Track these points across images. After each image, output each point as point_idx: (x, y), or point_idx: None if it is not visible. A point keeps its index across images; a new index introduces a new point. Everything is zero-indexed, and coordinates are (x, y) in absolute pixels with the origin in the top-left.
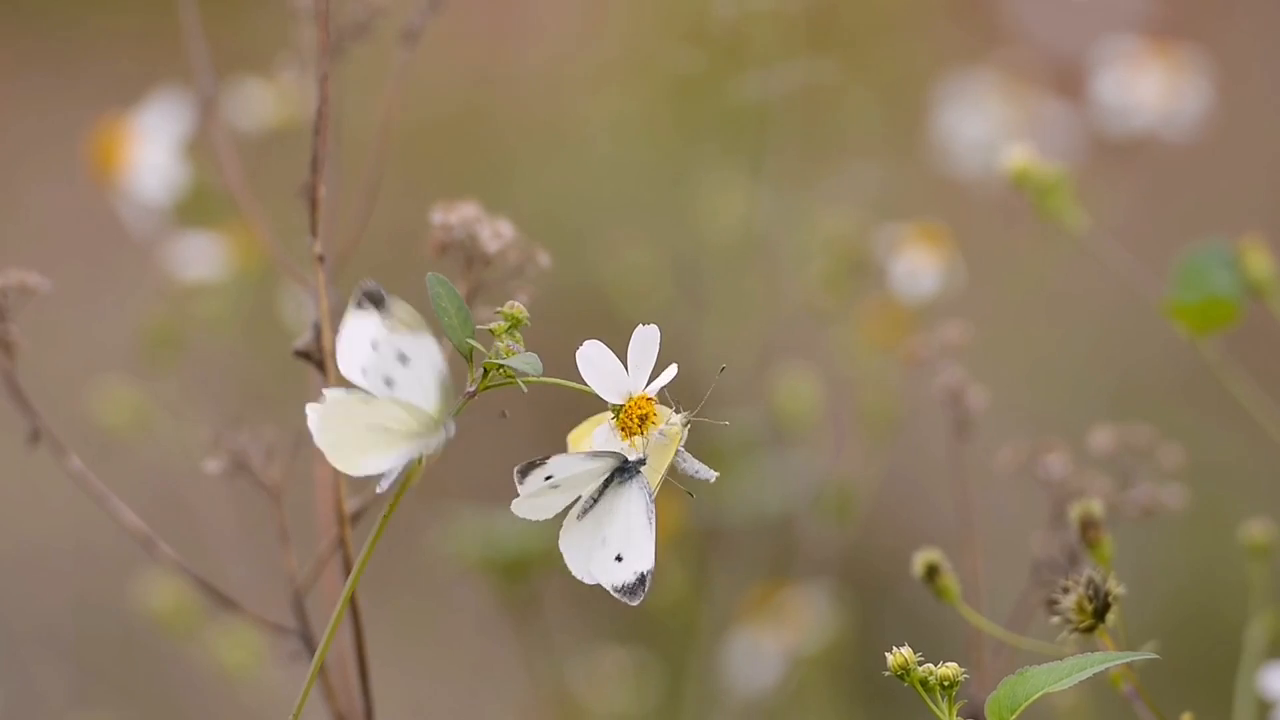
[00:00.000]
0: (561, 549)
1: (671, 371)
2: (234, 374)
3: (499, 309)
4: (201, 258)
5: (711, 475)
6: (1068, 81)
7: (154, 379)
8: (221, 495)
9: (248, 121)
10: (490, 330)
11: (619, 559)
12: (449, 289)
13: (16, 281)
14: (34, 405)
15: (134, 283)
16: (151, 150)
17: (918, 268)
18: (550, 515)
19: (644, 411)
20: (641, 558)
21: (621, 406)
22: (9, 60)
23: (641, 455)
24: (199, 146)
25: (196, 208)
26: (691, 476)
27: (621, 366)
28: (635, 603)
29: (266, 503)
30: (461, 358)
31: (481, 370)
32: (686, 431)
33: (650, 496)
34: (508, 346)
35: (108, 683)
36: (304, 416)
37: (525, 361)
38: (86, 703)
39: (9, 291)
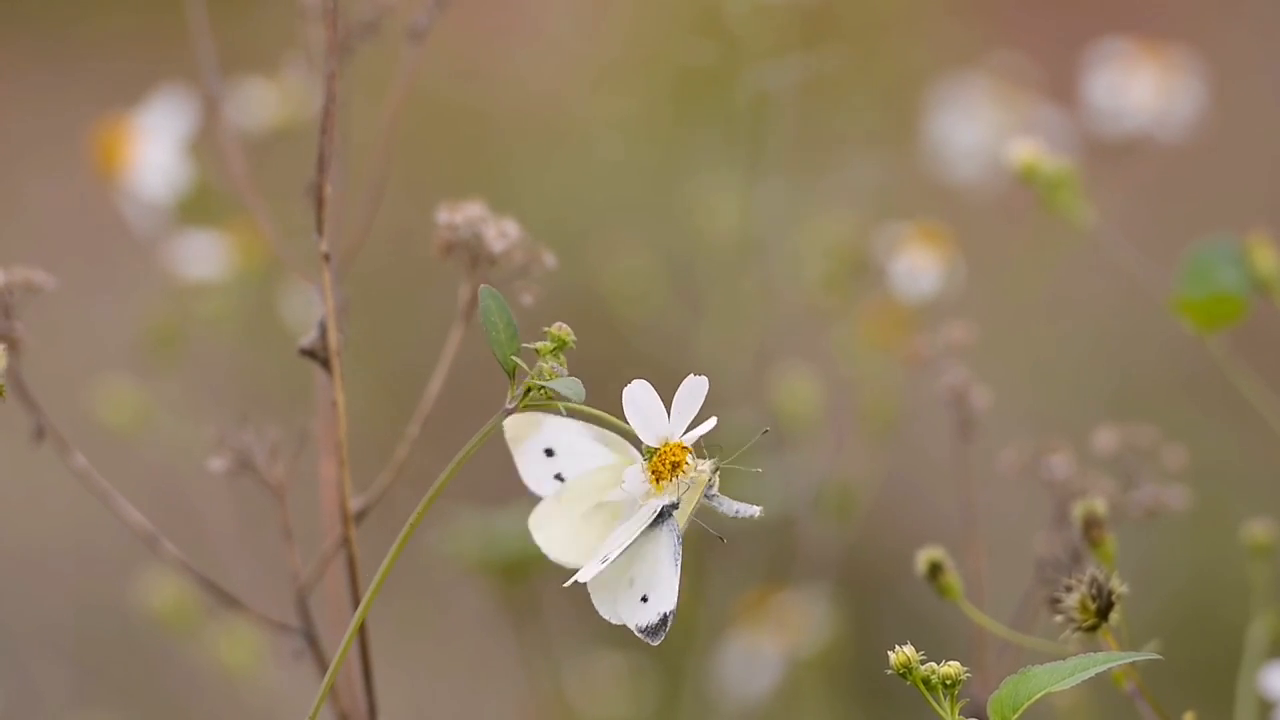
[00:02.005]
0: (588, 586)
1: (711, 423)
2: (237, 373)
3: (546, 328)
4: (204, 256)
5: (755, 511)
6: (1061, 84)
7: (157, 378)
8: (223, 495)
9: (251, 120)
10: (535, 349)
11: (644, 599)
12: (499, 303)
13: (21, 279)
14: (38, 403)
15: (136, 281)
16: (154, 149)
17: (918, 267)
18: (572, 554)
19: (677, 459)
20: (665, 599)
21: (655, 450)
22: (9, 59)
23: (675, 499)
24: (202, 145)
25: (199, 207)
26: (733, 517)
27: (664, 411)
28: (656, 643)
29: (269, 502)
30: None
31: (523, 389)
32: (717, 478)
33: (679, 539)
34: (551, 368)
35: (108, 683)
36: (307, 415)
37: (568, 386)
38: (86, 703)
39: (14, 289)
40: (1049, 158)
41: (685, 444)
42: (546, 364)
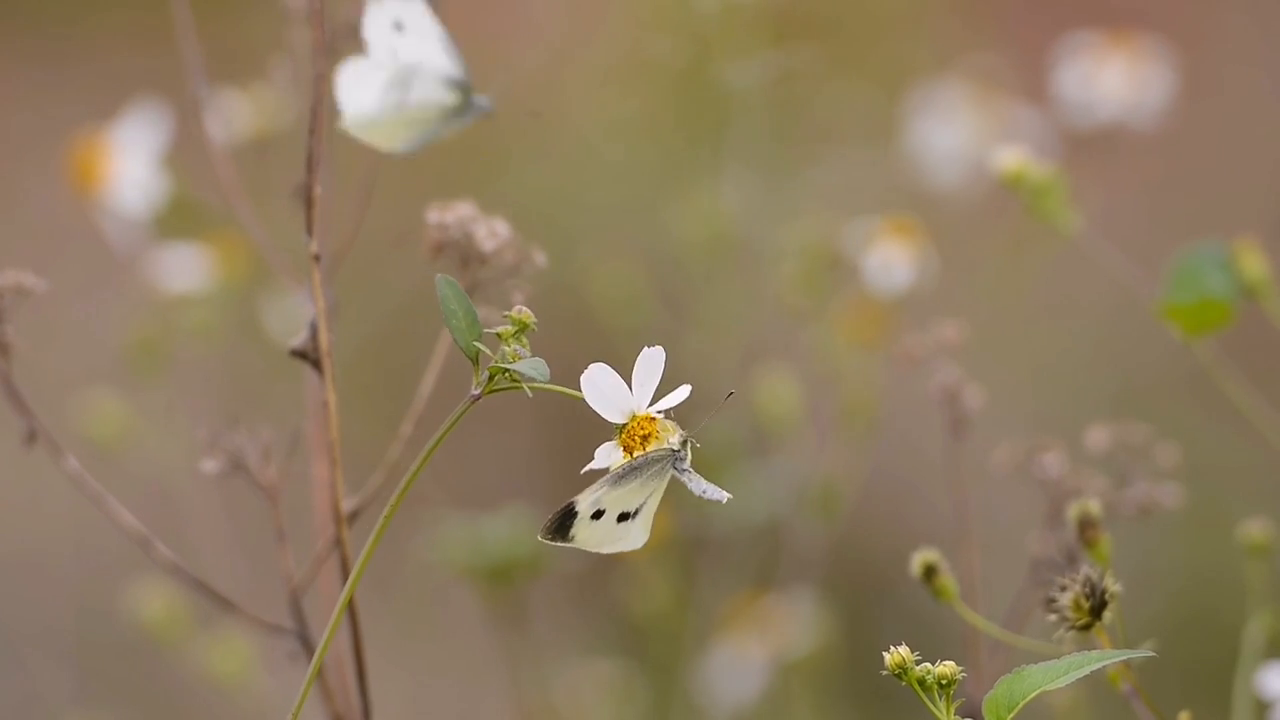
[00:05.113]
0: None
1: (684, 392)
2: (228, 375)
3: (506, 313)
4: (186, 269)
5: (723, 495)
6: (1038, 82)
7: (148, 382)
8: (215, 502)
9: (236, 124)
10: (497, 334)
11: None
12: (457, 291)
13: (13, 282)
14: (30, 406)
15: (127, 286)
16: (130, 164)
17: (890, 261)
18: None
19: (646, 431)
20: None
21: (624, 425)
22: (6, 57)
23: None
24: (183, 153)
25: (178, 219)
26: (700, 497)
27: (624, 386)
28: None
29: (261, 506)
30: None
31: (487, 374)
32: (688, 451)
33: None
34: (514, 351)
35: (108, 684)
36: (299, 416)
37: (532, 366)
38: (86, 703)
39: (6, 292)
40: (1035, 165)
41: (653, 415)
42: (510, 347)
